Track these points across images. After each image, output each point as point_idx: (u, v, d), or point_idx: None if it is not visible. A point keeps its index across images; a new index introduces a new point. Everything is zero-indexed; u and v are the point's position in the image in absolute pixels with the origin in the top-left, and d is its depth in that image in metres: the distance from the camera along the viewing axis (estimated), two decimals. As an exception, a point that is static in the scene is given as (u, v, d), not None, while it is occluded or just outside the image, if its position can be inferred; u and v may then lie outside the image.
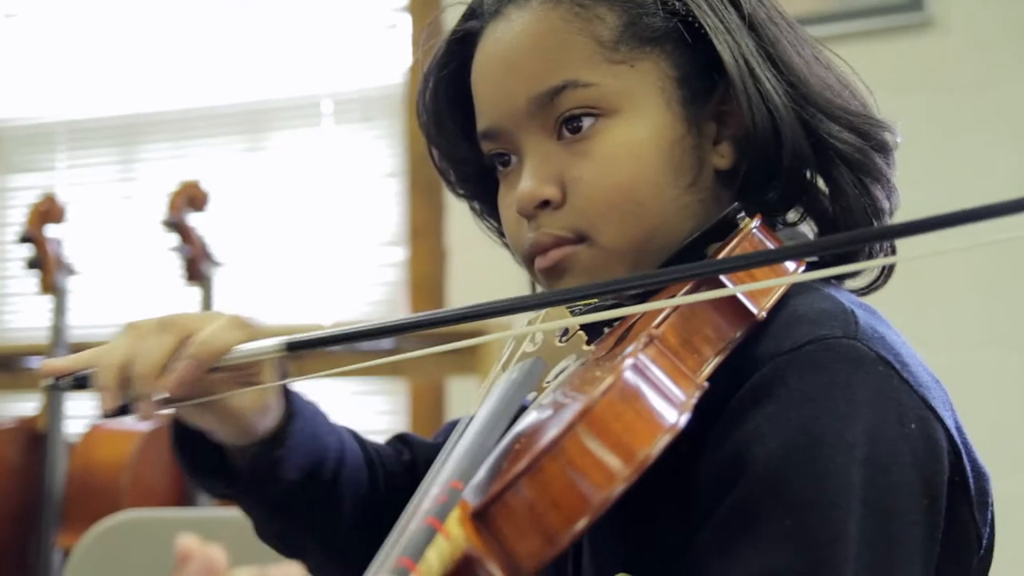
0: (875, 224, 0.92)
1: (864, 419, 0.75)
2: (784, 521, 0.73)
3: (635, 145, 0.87)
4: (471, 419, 0.78)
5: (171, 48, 3.38)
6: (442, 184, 1.09)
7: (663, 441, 0.64)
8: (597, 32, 0.89)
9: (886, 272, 0.95)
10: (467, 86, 0.98)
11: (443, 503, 0.63)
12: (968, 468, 0.81)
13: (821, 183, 0.93)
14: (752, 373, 0.78)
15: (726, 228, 0.85)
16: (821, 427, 0.75)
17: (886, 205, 0.92)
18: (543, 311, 0.83)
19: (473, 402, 0.83)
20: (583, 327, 0.84)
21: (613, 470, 0.62)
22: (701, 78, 0.90)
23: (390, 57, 3.13)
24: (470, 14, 0.99)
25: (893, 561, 0.75)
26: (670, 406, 0.67)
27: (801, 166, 0.90)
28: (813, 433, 0.75)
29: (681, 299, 0.76)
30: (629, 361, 0.67)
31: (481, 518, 0.62)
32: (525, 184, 0.90)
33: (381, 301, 3.12)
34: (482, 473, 0.68)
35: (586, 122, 0.89)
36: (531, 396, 0.84)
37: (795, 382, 0.76)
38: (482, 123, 0.95)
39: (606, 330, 0.85)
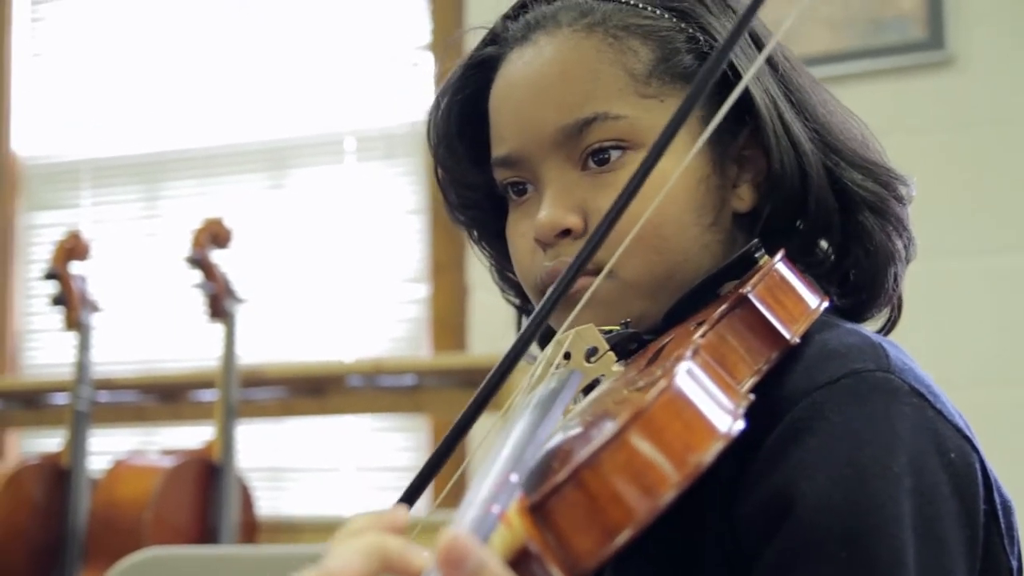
0: (894, 269, 0.92)
1: (907, 450, 0.75)
2: (840, 553, 0.72)
3: (661, 180, 0.84)
4: (511, 425, 0.75)
5: (194, 87, 3.41)
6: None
7: (717, 447, 0.63)
8: (629, 65, 0.89)
9: (898, 313, 0.96)
10: (481, 112, 0.97)
11: (501, 493, 0.61)
12: (997, 499, 0.80)
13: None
14: (785, 411, 0.77)
15: (744, 266, 0.85)
16: (867, 458, 0.74)
17: (904, 253, 0.93)
18: (573, 331, 0.83)
19: (502, 419, 0.80)
20: (612, 347, 0.83)
21: (666, 473, 0.61)
22: (727, 120, 0.90)
23: (412, 95, 3.15)
24: (491, 39, 0.98)
25: None
26: (723, 413, 0.66)
27: (826, 211, 0.90)
28: (859, 464, 0.74)
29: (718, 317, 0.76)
30: (683, 365, 0.67)
31: (539, 511, 0.60)
32: (547, 212, 0.89)
33: (403, 338, 3.13)
34: (533, 469, 0.66)
35: (614, 155, 0.88)
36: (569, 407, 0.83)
37: (835, 415, 0.76)
38: (501, 149, 0.94)
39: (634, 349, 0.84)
